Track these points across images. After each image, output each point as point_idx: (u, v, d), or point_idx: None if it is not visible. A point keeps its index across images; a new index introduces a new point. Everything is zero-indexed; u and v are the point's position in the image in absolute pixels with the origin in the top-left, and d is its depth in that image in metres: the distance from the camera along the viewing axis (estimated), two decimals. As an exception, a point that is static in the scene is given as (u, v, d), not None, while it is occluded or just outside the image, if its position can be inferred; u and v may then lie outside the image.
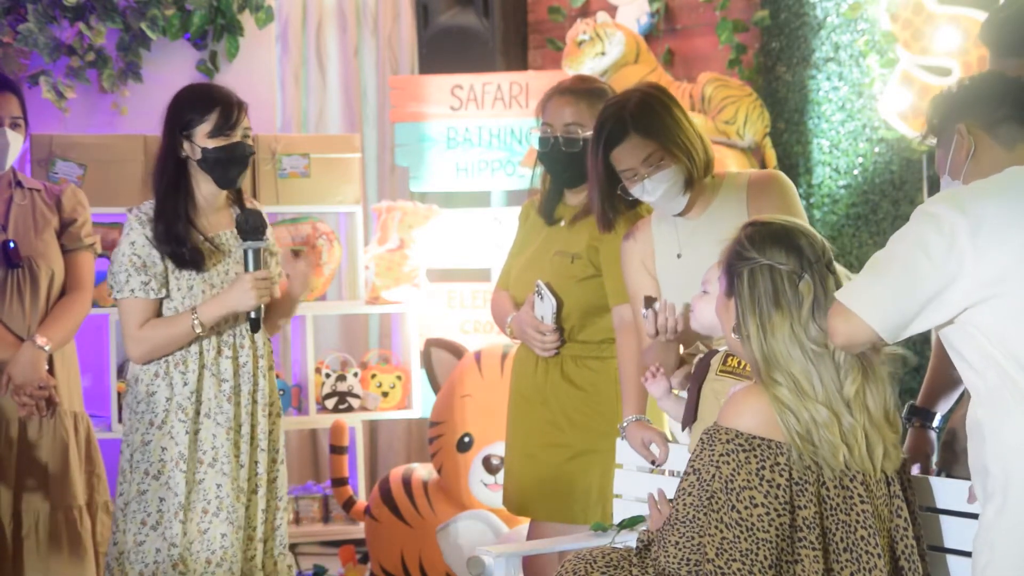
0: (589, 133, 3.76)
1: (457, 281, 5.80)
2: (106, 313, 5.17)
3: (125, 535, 3.74)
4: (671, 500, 2.99)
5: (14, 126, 4.21)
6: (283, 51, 6.16)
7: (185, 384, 3.76)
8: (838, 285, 2.95)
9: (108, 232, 5.14)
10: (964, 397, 3.22)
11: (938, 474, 3.28)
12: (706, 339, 3.38)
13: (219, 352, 3.80)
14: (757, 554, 2.80)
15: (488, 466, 5.09)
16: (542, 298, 3.87)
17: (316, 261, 5.51)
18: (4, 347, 4.17)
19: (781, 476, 2.84)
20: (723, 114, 5.21)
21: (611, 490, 3.73)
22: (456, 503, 5.19)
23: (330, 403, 5.60)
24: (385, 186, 6.31)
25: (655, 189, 3.55)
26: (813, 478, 2.86)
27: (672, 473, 3.61)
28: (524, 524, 4.53)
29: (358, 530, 5.53)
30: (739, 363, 3.17)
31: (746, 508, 2.81)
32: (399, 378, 5.70)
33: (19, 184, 4.33)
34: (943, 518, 3.08)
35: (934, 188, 4.82)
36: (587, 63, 5.45)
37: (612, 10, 5.76)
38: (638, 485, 3.66)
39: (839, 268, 3.00)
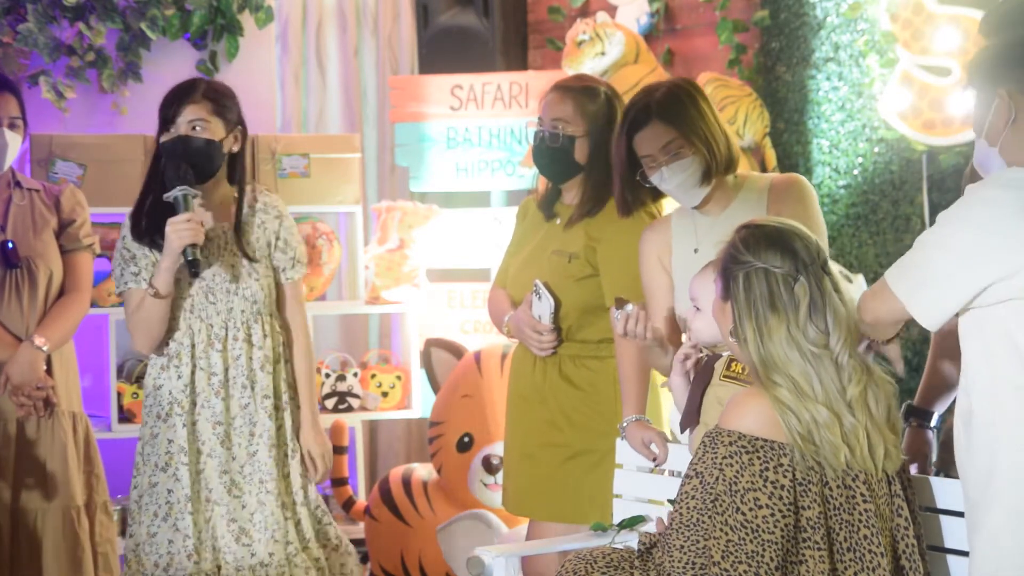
0: (572, 130, 3.83)
1: (457, 281, 5.80)
2: (105, 313, 5.17)
3: (139, 527, 3.80)
4: (673, 503, 2.99)
5: (12, 126, 4.21)
6: (283, 51, 6.16)
7: (179, 378, 3.82)
8: (834, 286, 2.95)
9: (108, 232, 5.14)
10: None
11: (936, 474, 3.28)
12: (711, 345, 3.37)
13: (209, 345, 3.83)
14: (763, 556, 2.80)
15: (488, 466, 5.09)
16: (540, 297, 3.87)
17: (316, 260, 5.52)
18: (2, 347, 4.17)
19: (785, 477, 2.83)
20: (723, 114, 5.21)
21: (611, 490, 3.72)
22: (456, 503, 5.19)
23: (330, 403, 5.60)
24: (385, 186, 6.31)
25: (672, 177, 3.57)
26: (816, 478, 2.86)
27: (672, 473, 3.61)
28: (524, 524, 4.53)
29: (358, 530, 5.53)
30: (743, 369, 3.16)
31: (751, 510, 2.81)
32: (399, 378, 5.70)
33: (18, 184, 4.33)
34: (943, 518, 3.08)
35: (934, 188, 4.82)
36: (587, 63, 5.45)
37: (612, 10, 5.75)
38: (638, 485, 3.67)
39: (835, 268, 3.00)
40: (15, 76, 5.33)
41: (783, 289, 2.91)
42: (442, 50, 6.07)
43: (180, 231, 3.71)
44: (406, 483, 5.31)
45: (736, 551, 2.80)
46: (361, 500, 5.62)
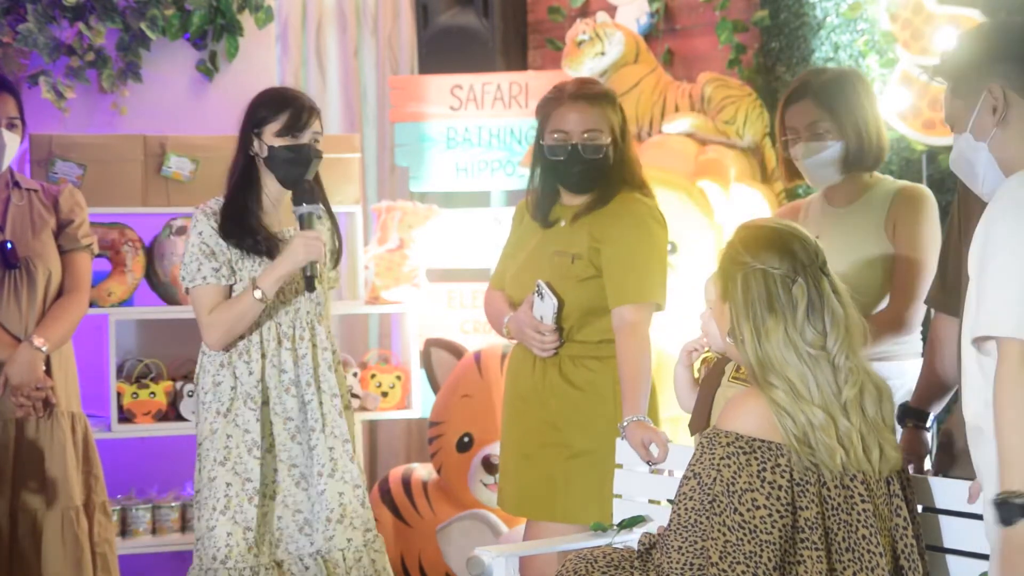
0: (604, 138, 3.84)
1: (457, 281, 5.80)
2: (105, 313, 5.17)
3: (199, 521, 3.84)
4: (671, 503, 2.99)
5: (11, 127, 4.21)
6: (283, 51, 6.16)
7: (251, 373, 3.86)
8: (833, 288, 2.94)
9: (107, 232, 5.14)
10: (958, 399, 3.20)
11: (934, 475, 3.28)
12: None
13: (279, 343, 3.89)
14: (761, 556, 2.80)
15: (488, 466, 5.09)
16: (542, 298, 3.87)
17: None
18: (1, 347, 4.18)
19: (782, 477, 2.83)
20: (723, 114, 5.21)
21: (611, 490, 3.72)
22: (456, 503, 5.19)
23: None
24: (385, 186, 6.31)
25: (808, 155, 3.79)
26: (814, 478, 2.86)
27: (671, 473, 3.61)
28: (524, 524, 4.53)
29: (358, 530, 5.52)
30: None
31: (748, 511, 2.81)
32: (399, 378, 5.70)
33: (16, 184, 4.33)
34: (943, 518, 3.08)
35: (934, 188, 4.79)
36: (587, 63, 5.45)
37: (612, 10, 5.75)
38: (638, 485, 3.67)
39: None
40: (15, 76, 5.32)
41: (781, 290, 2.91)
42: (442, 50, 6.07)
43: (311, 246, 3.79)
44: (406, 483, 5.31)
45: (734, 552, 2.80)
46: (361, 500, 5.62)
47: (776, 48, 5.27)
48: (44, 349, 4.19)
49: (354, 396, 5.61)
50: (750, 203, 4.99)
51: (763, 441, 2.85)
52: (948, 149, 4.62)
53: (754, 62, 5.36)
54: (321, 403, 3.90)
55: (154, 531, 5.26)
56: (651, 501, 3.63)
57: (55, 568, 4.26)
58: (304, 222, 3.84)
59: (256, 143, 3.87)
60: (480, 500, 5.12)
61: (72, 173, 5.13)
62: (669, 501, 3.15)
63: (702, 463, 2.88)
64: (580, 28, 5.50)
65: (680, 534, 2.89)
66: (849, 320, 2.94)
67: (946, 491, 3.07)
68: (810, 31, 5.15)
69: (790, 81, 5.17)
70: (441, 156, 5.86)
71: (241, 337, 3.87)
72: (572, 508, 3.87)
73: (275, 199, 3.93)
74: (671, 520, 2.92)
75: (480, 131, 5.83)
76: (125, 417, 5.23)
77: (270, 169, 3.88)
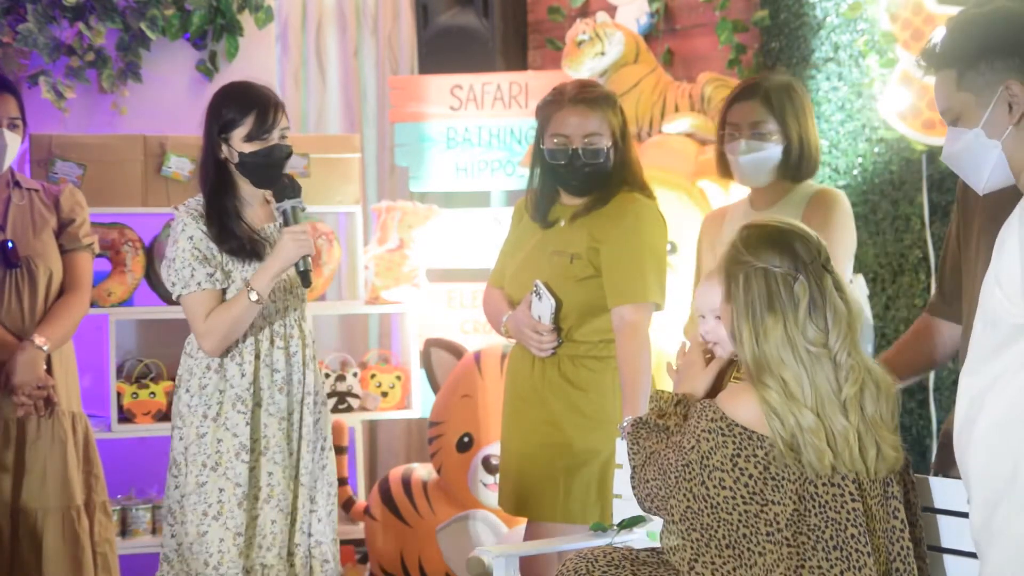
0: (605, 142, 3.84)
1: (457, 281, 5.80)
2: (105, 313, 5.17)
3: (184, 527, 3.76)
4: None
5: (12, 127, 4.22)
6: (283, 51, 6.16)
7: (243, 376, 3.79)
8: (835, 285, 2.95)
9: (107, 232, 5.14)
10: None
11: (935, 475, 3.28)
12: None
13: (272, 343, 3.83)
14: (716, 531, 2.90)
15: (488, 466, 5.09)
16: (540, 298, 3.87)
17: (316, 260, 5.52)
18: (3, 347, 4.18)
19: (755, 468, 2.87)
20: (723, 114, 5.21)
21: (611, 490, 3.72)
22: (456, 503, 5.19)
23: (330, 403, 5.59)
24: (385, 186, 6.31)
25: (747, 153, 3.83)
26: (793, 476, 2.87)
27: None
28: (524, 524, 4.53)
29: (357, 530, 5.53)
30: None
31: (715, 487, 2.89)
32: (399, 378, 5.70)
33: (17, 184, 4.34)
34: (942, 518, 3.07)
35: (934, 188, 4.81)
36: (587, 63, 5.44)
37: (612, 10, 5.75)
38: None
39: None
40: (15, 76, 5.32)
41: (782, 288, 2.91)
42: (442, 50, 6.07)
43: (301, 241, 3.73)
44: (406, 483, 5.31)
45: (693, 519, 2.92)
46: (361, 500, 5.62)
47: (776, 48, 5.27)
48: (45, 348, 4.20)
49: (354, 396, 5.62)
50: (750, 203, 4.98)
51: (745, 429, 2.88)
52: (948, 149, 4.63)
53: (754, 62, 5.36)
54: (302, 402, 3.85)
55: (154, 531, 5.25)
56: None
57: (56, 568, 4.26)
58: (289, 217, 3.77)
59: (225, 148, 3.78)
60: (480, 500, 5.12)
61: (72, 173, 5.13)
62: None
63: (689, 427, 2.96)
64: (580, 28, 5.49)
65: (654, 471, 3.00)
66: (851, 316, 2.95)
67: (946, 491, 3.07)
68: (810, 31, 5.15)
69: (790, 81, 5.19)
70: (441, 156, 5.86)
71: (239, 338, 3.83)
72: (572, 508, 3.87)
73: (252, 197, 3.86)
74: (656, 455, 3.01)
75: (480, 131, 5.83)
76: (125, 417, 5.23)
77: (243, 175, 3.80)
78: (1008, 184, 2.75)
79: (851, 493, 2.89)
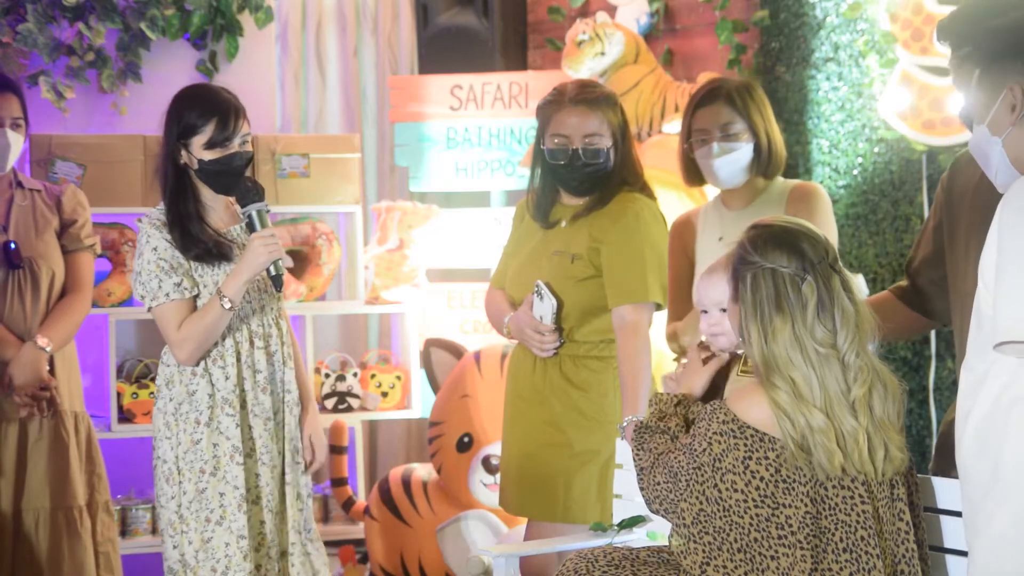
0: (605, 142, 3.84)
1: (457, 281, 5.80)
2: (105, 313, 5.17)
3: (186, 535, 3.73)
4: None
5: (15, 127, 4.22)
6: (283, 51, 6.16)
7: (227, 379, 3.76)
8: (844, 284, 2.95)
9: (107, 232, 5.14)
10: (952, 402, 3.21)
11: (933, 475, 3.28)
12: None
13: (251, 344, 3.81)
14: (728, 534, 2.88)
15: (488, 466, 5.09)
16: (542, 298, 3.87)
17: (316, 260, 5.52)
18: (5, 347, 4.18)
19: (767, 470, 2.86)
20: (722, 114, 5.21)
21: (611, 490, 3.73)
22: (456, 503, 5.19)
23: (329, 403, 5.60)
24: (385, 186, 6.31)
25: (720, 155, 3.79)
26: (805, 478, 2.87)
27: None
28: (524, 524, 4.53)
29: (358, 530, 5.53)
30: None
31: (727, 490, 2.88)
32: (399, 378, 5.70)
33: (19, 185, 4.34)
34: (943, 518, 3.08)
35: (933, 188, 4.81)
36: (587, 63, 5.45)
37: (612, 10, 5.75)
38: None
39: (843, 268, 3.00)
40: (15, 76, 5.33)
41: (790, 289, 2.91)
42: (442, 50, 6.07)
43: (270, 246, 3.69)
44: (406, 483, 5.31)
45: (705, 522, 2.90)
46: (361, 500, 5.62)
47: (776, 48, 5.27)
48: (48, 349, 4.20)
49: (354, 396, 5.62)
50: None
51: (756, 431, 2.87)
52: (948, 149, 4.66)
53: (754, 62, 5.36)
54: (283, 400, 3.84)
55: (154, 531, 5.25)
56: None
57: (58, 567, 4.26)
58: (255, 221, 3.73)
59: (184, 154, 3.74)
60: (480, 500, 5.13)
61: (72, 173, 5.14)
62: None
63: (699, 429, 2.95)
64: (580, 28, 5.49)
65: (664, 474, 2.99)
66: (860, 316, 2.94)
67: (946, 491, 3.07)
68: (810, 31, 5.15)
69: (790, 81, 5.19)
70: (441, 156, 5.86)
71: (214, 344, 3.77)
72: (573, 508, 3.87)
73: (213, 200, 3.81)
74: (663, 458, 3.01)
75: (480, 131, 5.83)
76: (125, 417, 5.23)
77: (202, 181, 3.76)
78: None
79: (860, 496, 2.88)
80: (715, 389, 3.25)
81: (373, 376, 5.67)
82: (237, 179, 3.75)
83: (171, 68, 5.68)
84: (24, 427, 4.24)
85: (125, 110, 5.62)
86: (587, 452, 3.87)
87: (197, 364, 3.74)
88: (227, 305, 3.68)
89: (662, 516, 3.03)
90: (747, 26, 5.40)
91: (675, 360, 3.85)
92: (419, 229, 5.66)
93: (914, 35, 4.67)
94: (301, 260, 5.54)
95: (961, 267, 3.27)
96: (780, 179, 3.94)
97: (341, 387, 5.61)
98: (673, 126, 5.31)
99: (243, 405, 3.78)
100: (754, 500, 2.86)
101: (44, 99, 5.40)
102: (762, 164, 3.85)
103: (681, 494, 2.94)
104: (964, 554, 2.95)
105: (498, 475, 4.99)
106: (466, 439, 5.17)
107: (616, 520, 3.61)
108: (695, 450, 2.93)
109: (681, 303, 3.90)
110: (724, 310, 3.12)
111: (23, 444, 4.24)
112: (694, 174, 3.93)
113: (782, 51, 5.25)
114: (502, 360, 5.11)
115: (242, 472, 3.74)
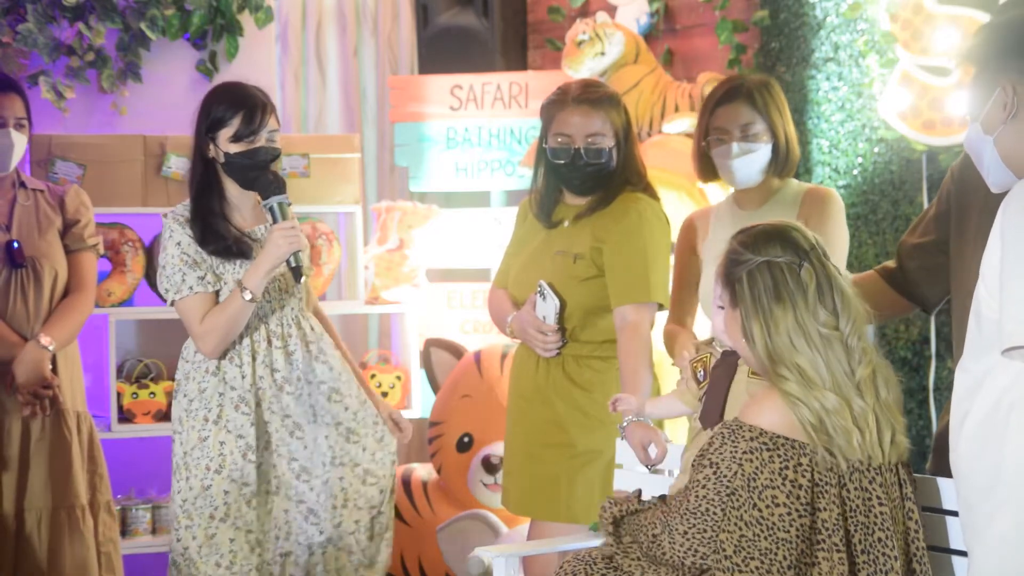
0: (607, 142, 3.84)
1: (457, 281, 5.80)
2: (106, 313, 5.17)
3: (190, 531, 3.76)
4: (685, 492, 2.95)
5: (18, 127, 4.23)
6: (283, 51, 6.16)
7: (243, 377, 3.80)
8: (837, 271, 2.95)
9: (107, 232, 5.14)
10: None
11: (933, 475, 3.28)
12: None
13: (269, 343, 3.84)
14: (776, 554, 2.79)
15: (488, 466, 5.09)
16: (544, 298, 3.87)
17: (316, 260, 5.52)
18: (8, 346, 4.18)
19: (803, 477, 2.82)
20: (723, 114, 5.21)
21: (611, 490, 3.72)
22: (456, 503, 5.19)
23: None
24: (385, 186, 6.31)
25: (740, 154, 3.79)
26: (835, 480, 2.85)
27: (671, 474, 3.61)
28: (524, 524, 4.53)
29: (358, 530, 5.53)
30: None
31: (768, 507, 2.80)
32: (399, 378, 5.70)
33: (23, 185, 4.35)
34: (950, 519, 3.07)
35: (933, 188, 4.81)
36: (587, 63, 5.45)
37: (612, 10, 5.75)
38: (638, 485, 3.66)
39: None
40: (15, 76, 5.32)
41: (788, 277, 2.90)
42: (442, 50, 6.07)
43: (290, 237, 3.73)
44: (406, 483, 5.31)
45: (749, 547, 2.79)
46: (361, 500, 5.62)
47: (776, 48, 5.27)
48: (51, 348, 4.20)
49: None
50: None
51: (786, 439, 2.84)
52: (948, 149, 4.66)
53: (754, 62, 5.37)
54: (310, 395, 3.86)
55: (154, 531, 5.25)
56: (652, 501, 3.63)
57: (60, 567, 4.27)
58: (276, 214, 3.77)
59: (212, 148, 3.80)
60: (480, 500, 5.13)
61: (72, 173, 5.13)
62: (661, 498, 3.13)
63: (721, 454, 2.85)
64: (580, 28, 5.50)
65: (688, 520, 2.86)
66: (857, 301, 2.94)
67: (950, 491, 3.06)
68: (810, 31, 5.15)
69: (790, 81, 5.19)
70: (441, 156, 5.86)
71: (239, 338, 3.82)
72: (576, 508, 3.87)
73: (239, 198, 3.86)
74: (680, 504, 2.89)
75: (480, 131, 5.83)
76: (125, 417, 5.23)
77: (228, 175, 3.81)
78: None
79: (879, 497, 2.87)
80: (721, 391, 3.23)
81: (373, 376, 5.67)
82: (262, 174, 3.79)
83: (171, 68, 5.68)
84: (26, 426, 4.24)
85: (125, 110, 5.62)
86: (590, 452, 3.87)
87: (223, 358, 3.78)
88: (247, 297, 3.72)
89: (702, 565, 2.86)
90: (747, 26, 5.40)
91: (673, 364, 3.85)
92: (419, 229, 5.66)
93: (914, 35, 4.67)
94: (301, 260, 5.54)
95: (968, 265, 3.26)
96: (794, 181, 3.95)
97: (341, 387, 5.60)
98: (673, 126, 5.31)
99: (258, 403, 3.81)
100: (798, 511, 2.81)
101: (44, 99, 5.40)
102: (779, 164, 3.86)
103: (718, 527, 2.82)
104: (966, 554, 2.95)
105: (498, 475, 5.00)
106: (466, 439, 5.17)
107: (617, 520, 3.61)
108: (723, 475, 2.83)
109: (686, 302, 3.92)
110: (721, 307, 3.12)
111: (25, 443, 4.25)
112: (709, 171, 3.94)
113: (782, 51, 5.25)
114: (502, 360, 5.11)
115: (254, 470, 3.77)
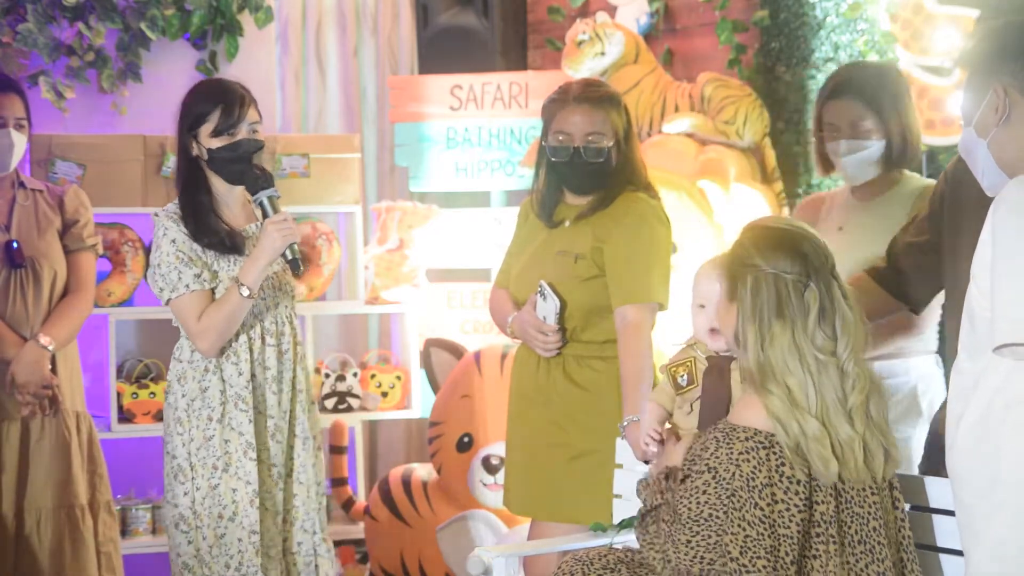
0: (607, 142, 3.83)
1: (457, 281, 5.80)
2: (105, 313, 5.17)
3: (201, 531, 3.74)
4: (682, 499, 2.95)
5: (18, 127, 4.24)
6: (283, 51, 6.16)
7: (240, 375, 3.78)
8: (843, 292, 2.92)
9: (107, 232, 5.14)
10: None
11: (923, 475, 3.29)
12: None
13: (263, 341, 3.82)
14: (780, 551, 2.79)
15: (488, 466, 5.09)
16: (545, 298, 3.87)
17: (315, 260, 5.52)
18: (8, 346, 4.19)
19: (801, 472, 2.83)
20: (723, 114, 5.21)
21: (611, 490, 3.72)
22: (456, 503, 5.19)
23: (329, 403, 5.60)
24: (385, 186, 6.31)
25: (850, 151, 3.80)
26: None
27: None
28: (524, 524, 4.53)
29: (358, 530, 5.53)
30: None
31: (768, 505, 2.80)
32: (399, 378, 5.70)
33: (22, 185, 4.36)
34: (936, 518, 3.08)
35: (933, 188, 4.81)
36: (587, 63, 5.44)
37: (612, 10, 5.75)
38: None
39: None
40: (15, 76, 5.33)
41: (793, 295, 2.87)
42: (442, 50, 6.07)
43: (284, 230, 3.71)
44: (406, 483, 5.31)
45: (755, 546, 2.78)
46: (361, 500, 5.62)
47: (776, 48, 5.27)
48: (50, 348, 4.20)
49: (354, 396, 5.62)
50: (750, 203, 4.99)
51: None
52: (948, 149, 4.66)
53: (754, 62, 5.36)
54: (292, 398, 3.85)
55: (154, 531, 5.25)
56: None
57: (60, 567, 4.27)
58: (267, 208, 3.76)
59: (195, 146, 3.78)
60: (480, 500, 5.13)
61: (72, 173, 5.14)
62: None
63: (718, 457, 2.85)
64: (580, 28, 5.49)
65: (690, 528, 2.85)
66: (858, 325, 2.92)
67: (939, 490, 3.07)
68: (810, 31, 5.15)
69: (790, 81, 5.19)
70: (441, 156, 5.86)
71: (235, 336, 3.79)
72: (576, 508, 3.87)
73: (227, 196, 3.84)
74: (680, 513, 2.88)
75: (480, 131, 5.83)
76: (125, 417, 5.23)
77: (213, 171, 3.80)
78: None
79: (871, 487, 2.89)
80: (721, 395, 3.21)
81: (373, 376, 5.67)
82: (247, 167, 3.77)
83: (171, 68, 5.68)
84: (26, 426, 4.24)
85: (125, 110, 5.62)
86: (591, 452, 3.87)
87: (220, 356, 3.75)
88: (245, 293, 3.71)
89: (708, 571, 2.83)
90: (747, 26, 5.40)
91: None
92: (419, 229, 5.66)
93: (914, 35, 4.67)
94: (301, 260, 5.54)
95: (963, 266, 3.26)
96: (916, 176, 3.95)
97: (341, 387, 5.61)
98: (673, 126, 5.31)
99: (254, 401, 3.81)
100: (797, 506, 2.81)
101: (44, 99, 5.40)
102: (894, 159, 3.86)
103: (722, 530, 2.81)
104: (958, 553, 2.96)
105: (498, 475, 5.00)
106: (466, 439, 5.17)
107: (616, 520, 3.61)
108: (721, 478, 2.82)
109: None
110: (702, 306, 3.12)
111: (25, 443, 4.25)
112: (827, 162, 3.95)
113: (782, 51, 5.25)
114: (502, 360, 5.11)
115: (255, 468, 3.76)
